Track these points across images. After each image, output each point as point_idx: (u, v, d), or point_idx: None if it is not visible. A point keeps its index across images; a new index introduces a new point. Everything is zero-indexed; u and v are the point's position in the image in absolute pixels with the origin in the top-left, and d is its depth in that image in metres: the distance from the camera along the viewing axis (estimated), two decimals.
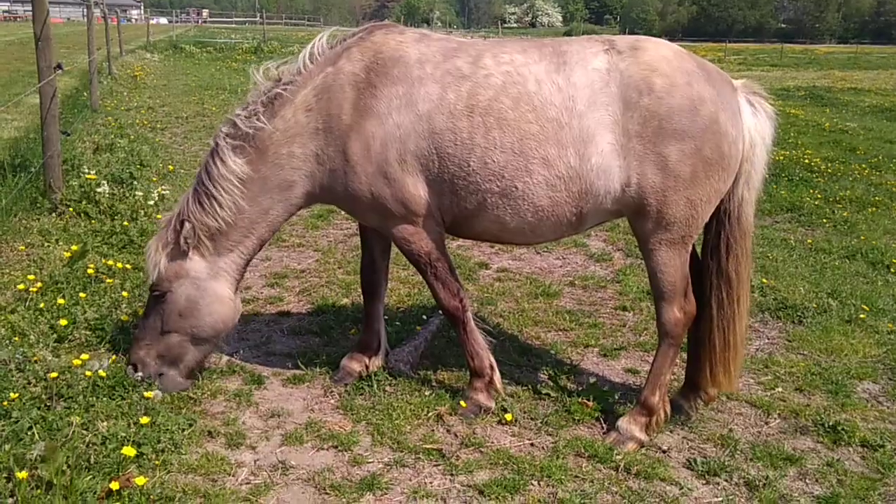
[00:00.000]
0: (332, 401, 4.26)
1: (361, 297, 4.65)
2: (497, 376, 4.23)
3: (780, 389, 4.66)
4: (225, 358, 4.61)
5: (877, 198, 9.75)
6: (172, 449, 3.56)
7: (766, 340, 5.42)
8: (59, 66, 6.76)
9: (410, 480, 3.57)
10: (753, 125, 3.83)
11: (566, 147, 3.64)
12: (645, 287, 6.11)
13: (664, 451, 3.94)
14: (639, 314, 5.77)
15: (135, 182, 7.72)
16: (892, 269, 7.00)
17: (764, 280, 6.49)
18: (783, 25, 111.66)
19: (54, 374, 3.77)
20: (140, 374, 3.99)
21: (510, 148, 3.66)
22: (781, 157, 11.81)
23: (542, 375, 4.70)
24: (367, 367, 4.48)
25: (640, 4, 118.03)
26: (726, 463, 3.80)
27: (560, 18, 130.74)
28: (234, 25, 72.34)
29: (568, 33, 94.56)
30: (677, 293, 3.88)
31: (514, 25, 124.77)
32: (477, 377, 4.19)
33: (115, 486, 3.06)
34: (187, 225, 3.85)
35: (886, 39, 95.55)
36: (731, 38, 76.48)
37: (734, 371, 4.11)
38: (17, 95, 16.72)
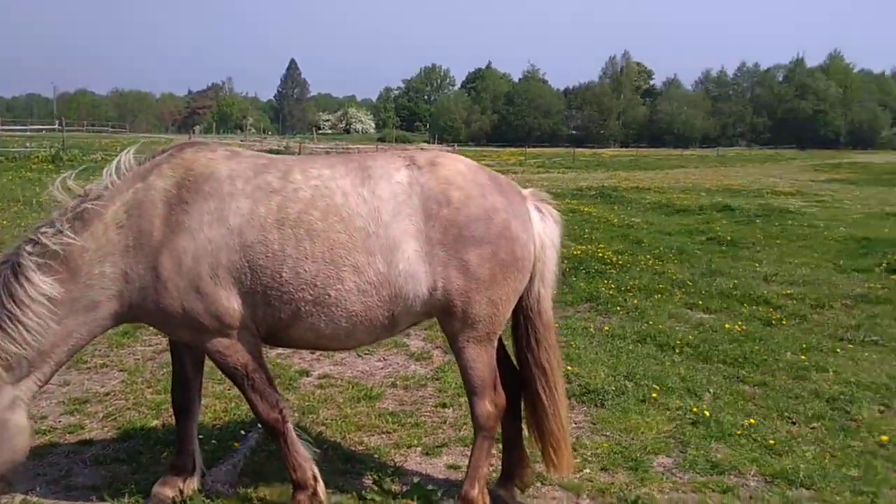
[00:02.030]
0: None
1: (173, 416, 4.49)
2: (321, 487, 4.21)
3: (587, 471, 4.99)
4: (19, 497, 4.22)
5: (661, 285, 10.84)
6: None
7: (574, 425, 5.79)
8: None
9: None
10: (542, 229, 4.24)
11: (374, 254, 3.84)
12: None
13: None
14: (458, 410, 5.97)
15: None
16: (676, 350, 7.76)
17: (569, 367, 6.97)
18: (573, 132, 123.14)
19: None
20: None
21: (321, 257, 3.80)
22: (579, 252, 12.86)
23: (366, 480, 4.73)
24: (181, 493, 4.29)
25: (447, 114, 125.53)
26: None
27: (373, 126, 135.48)
28: (30, 133, 68.03)
29: (381, 139, 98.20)
30: (487, 387, 4.12)
31: (329, 132, 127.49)
32: (300, 490, 4.15)
33: None
34: None
35: (660, 143, 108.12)
36: (530, 144, 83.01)
37: (569, 451, 4.41)
38: None
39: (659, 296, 10.28)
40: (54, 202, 3.86)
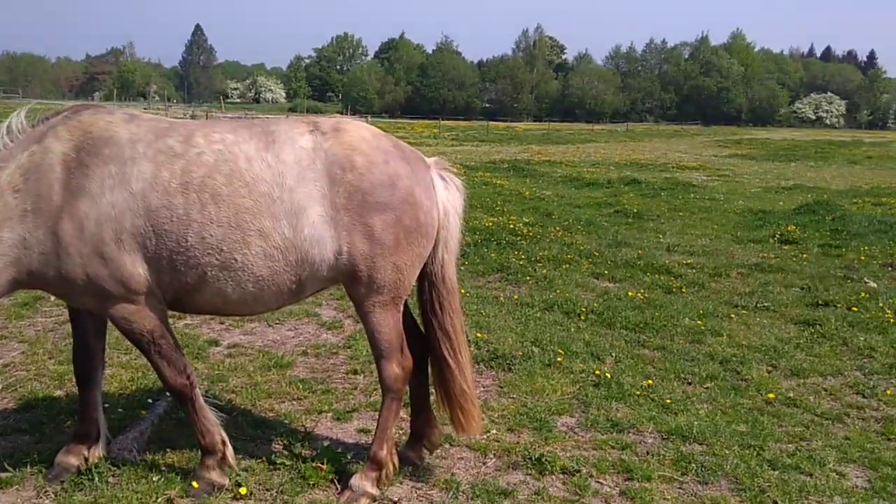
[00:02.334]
0: (47, 501, 3.96)
1: (76, 386, 4.40)
2: (230, 451, 4.23)
3: (494, 431, 5.17)
4: None
5: (569, 256, 11.17)
6: None
7: (482, 389, 5.98)
8: None
9: None
10: (446, 196, 4.34)
11: (279, 219, 3.85)
12: None
13: (395, 502, 4.21)
14: (369, 376, 6.05)
15: None
16: (582, 317, 8.07)
17: (479, 334, 7.16)
18: (487, 105, 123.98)
19: None
20: None
21: (226, 222, 3.79)
22: (490, 224, 13.07)
23: (276, 446, 4.77)
24: (86, 460, 4.23)
25: (359, 84, 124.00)
26: None
27: (283, 95, 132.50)
28: None
29: (292, 109, 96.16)
30: (394, 350, 4.22)
31: (238, 101, 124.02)
32: (209, 455, 4.16)
33: None
34: None
35: (572, 118, 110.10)
36: (444, 116, 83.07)
37: (476, 413, 4.53)
38: None
39: (567, 266, 10.60)
40: None
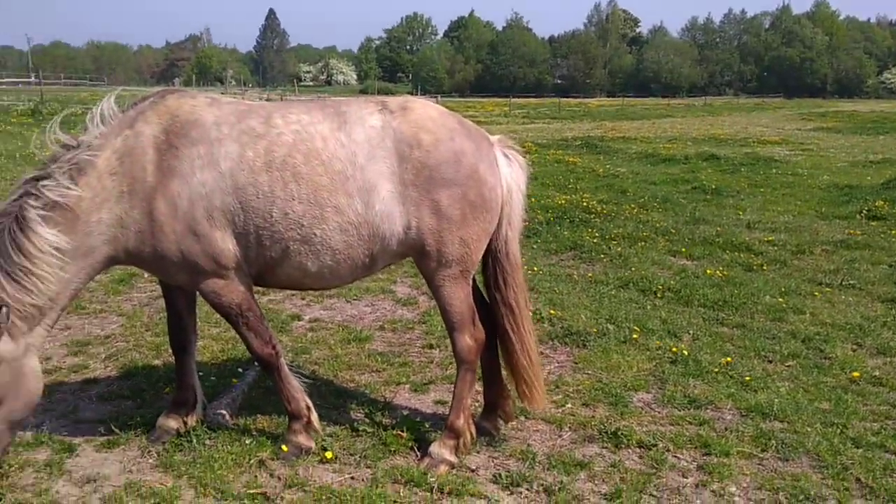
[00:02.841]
0: (150, 460, 4.25)
1: (172, 356, 4.68)
2: (315, 416, 4.44)
3: (569, 406, 5.24)
4: (30, 431, 4.43)
5: (644, 233, 11.05)
6: None
7: (556, 364, 6.04)
8: None
9: None
10: (509, 174, 4.42)
11: (353, 196, 4.01)
12: None
13: (472, 470, 4.34)
14: (444, 350, 6.19)
15: None
16: (658, 295, 8.01)
17: (552, 311, 7.21)
18: (559, 81, 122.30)
19: None
20: None
21: (306, 198, 3.97)
22: (563, 202, 13.03)
23: (358, 414, 4.96)
24: (184, 424, 4.51)
25: (429, 64, 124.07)
26: (526, 474, 4.26)
27: (355, 77, 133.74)
28: (5, 87, 66.78)
29: (363, 91, 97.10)
30: (466, 322, 4.34)
31: (311, 84, 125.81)
32: (295, 420, 4.38)
33: None
34: (4, 309, 3.60)
35: (647, 93, 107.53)
36: (514, 94, 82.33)
37: (541, 386, 4.63)
38: None
39: (642, 243, 10.49)
40: (48, 155, 3.89)
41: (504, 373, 4.73)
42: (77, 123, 4.00)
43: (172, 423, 4.49)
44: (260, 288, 4.54)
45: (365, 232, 4.06)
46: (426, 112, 4.24)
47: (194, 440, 4.36)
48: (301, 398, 4.39)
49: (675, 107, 67.47)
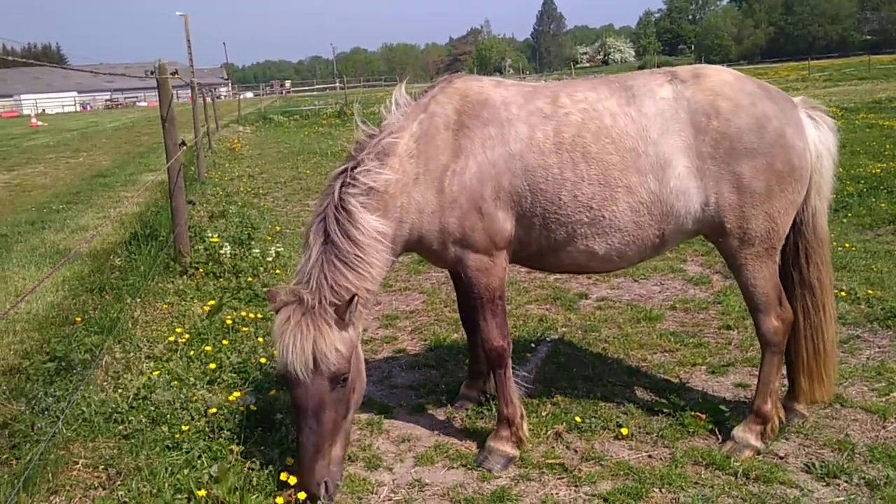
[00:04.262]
0: (455, 425, 4.58)
1: (464, 333, 4.94)
2: (525, 426, 4.19)
3: (894, 395, 4.68)
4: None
5: None
6: None
7: (877, 349, 5.41)
8: (183, 143, 7.50)
9: (538, 492, 3.82)
10: (817, 137, 4.00)
11: (645, 174, 3.85)
12: None
13: (781, 457, 4.05)
14: (744, 332, 5.85)
15: (252, 242, 8.38)
16: None
17: (870, 291, 6.46)
18: (868, 37, 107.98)
19: (213, 410, 4.25)
20: (330, 490, 3.59)
21: (596, 179, 3.87)
22: (878, 171, 11.58)
23: (651, 394, 4.88)
24: (483, 394, 4.77)
25: (714, 31, 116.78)
26: (845, 465, 3.88)
27: (633, 53, 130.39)
28: (316, 93, 75.48)
29: (641, 67, 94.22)
30: (772, 303, 4.03)
31: (587, 65, 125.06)
32: (506, 426, 4.13)
33: (280, 501, 3.44)
34: (356, 298, 3.62)
35: None
36: (814, 56, 74.53)
37: (828, 378, 4.21)
38: (131, 175, 18.16)
39: None
40: (354, 146, 4.04)
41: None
42: (376, 121, 4.26)
43: (473, 392, 4.77)
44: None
45: (657, 211, 3.89)
46: (721, 77, 3.98)
47: (494, 409, 4.60)
48: (519, 405, 4.17)
49: None
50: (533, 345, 5.66)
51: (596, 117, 3.92)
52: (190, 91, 19.18)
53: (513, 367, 4.21)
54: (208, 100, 27.61)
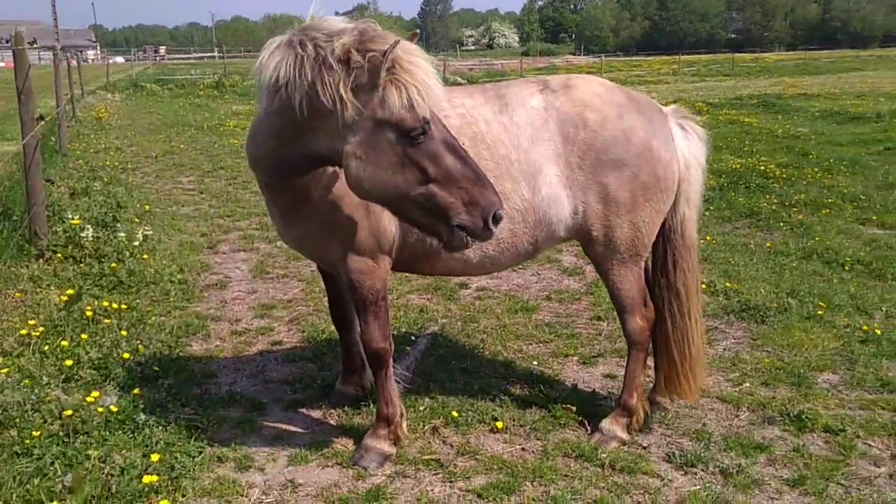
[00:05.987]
0: (331, 422, 4.51)
1: (336, 330, 4.73)
2: (404, 426, 4.18)
3: (747, 385, 4.99)
4: (225, 387, 4.84)
5: (830, 200, 10.23)
6: (186, 475, 3.77)
7: (732, 340, 5.77)
8: (40, 118, 6.96)
9: (413, 489, 3.82)
10: (686, 147, 4.12)
11: (518, 181, 3.87)
12: None
13: (645, 448, 4.25)
14: (612, 323, 6.07)
15: (117, 224, 7.91)
16: (845, 267, 7.42)
17: (727, 284, 6.86)
18: (733, 36, 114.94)
19: (69, 412, 3.97)
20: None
21: None
22: (738, 166, 12.32)
23: (526, 385, 4.99)
24: (361, 388, 4.72)
25: (593, 22, 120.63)
26: (702, 454, 4.10)
27: (516, 39, 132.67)
28: (193, 61, 72.23)
29: (525, 53, 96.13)
30: (636, 305, 4.18)
31: (472, 48, 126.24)
32: (384, 424, 4.09)
33: None
34: None
35: (833, 44, 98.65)
36: (684, 51, 78.37)
37: (694, 380, 4.36)
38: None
39: (827, 210, 9.74)
40: None
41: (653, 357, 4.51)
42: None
43: (349, 388, 4.70)
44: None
45: (531, 218, 3.92)
46: (591, 89, 4.03)
47: (371, 405, 4.56)
48: (399, 403, 4.14)
49: (866, 59, 61.42)
50: (413, 337, 5.65)
51: (472, 122, 3.90)
52: (52, 55, 17.88)
53: (392, 366, 4.17)
54: (73, 63, 25.85)
